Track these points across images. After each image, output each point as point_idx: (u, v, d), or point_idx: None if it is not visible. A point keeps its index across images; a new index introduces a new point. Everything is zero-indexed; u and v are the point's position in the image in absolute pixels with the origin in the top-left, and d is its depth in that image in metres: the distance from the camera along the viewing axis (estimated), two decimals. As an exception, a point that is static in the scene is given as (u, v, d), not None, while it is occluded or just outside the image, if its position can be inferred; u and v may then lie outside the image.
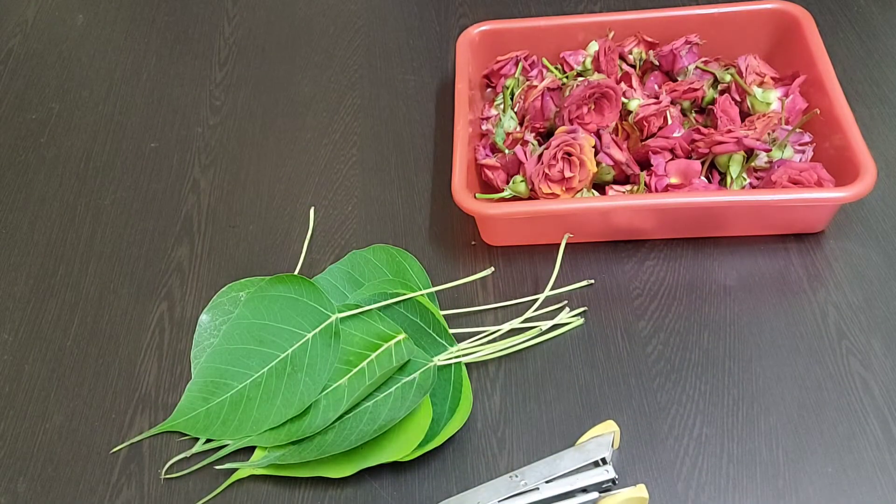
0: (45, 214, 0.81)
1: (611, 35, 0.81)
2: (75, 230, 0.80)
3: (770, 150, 0.71)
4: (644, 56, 0.80)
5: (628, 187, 0.72)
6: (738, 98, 0.75)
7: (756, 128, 0.71)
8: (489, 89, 0.83)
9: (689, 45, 0.78)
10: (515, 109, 0.78)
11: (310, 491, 0.61)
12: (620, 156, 0.72)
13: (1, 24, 1.02)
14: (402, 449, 0.60)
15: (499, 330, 0.67)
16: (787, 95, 0.74)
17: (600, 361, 0.66)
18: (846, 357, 0.64)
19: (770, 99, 0.74)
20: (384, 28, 0.96)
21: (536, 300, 0.69)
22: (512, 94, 0.79)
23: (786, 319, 0.67)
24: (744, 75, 0.76)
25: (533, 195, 0.71)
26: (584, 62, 0.80)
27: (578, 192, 0.70)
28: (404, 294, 0.67)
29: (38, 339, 0.72)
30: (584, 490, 0.57)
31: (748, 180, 0.71)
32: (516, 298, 0.70)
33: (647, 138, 0.73)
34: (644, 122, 0.73)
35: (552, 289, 0.69)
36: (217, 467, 0.62)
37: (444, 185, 0.79)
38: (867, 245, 0.71)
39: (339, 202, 0.79)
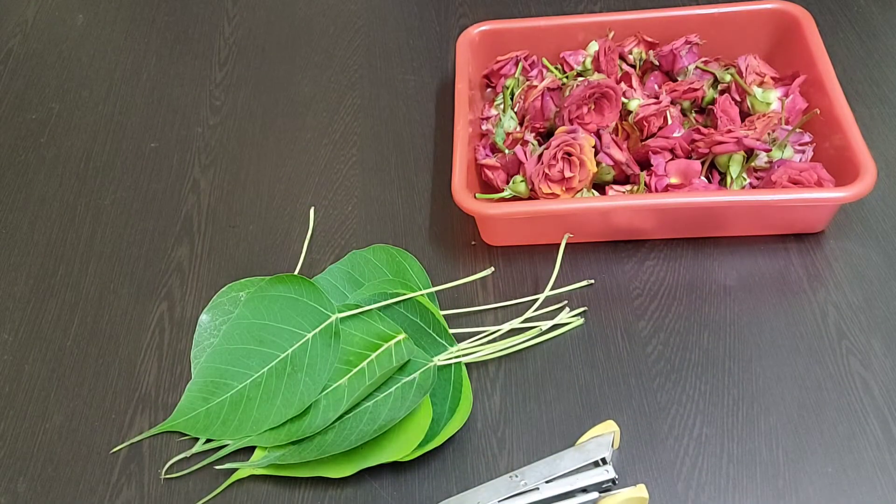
0: (45, 214, 0.81)
1: (611, 35, 0.81)
2: (75, 230, 0.80)
3: (770, 150, 0.71)
4: (644, 56, 0.80)
5: (628, 187, 0.72)
6: (738, 98, 0.75)
7: (756, 128, 0.71)
8: (489, 89, 0.83)
9: (689, 45, 0.78)
10: (515, 109, 0.78)
11: (310, 491, 0.61)
12: (620, 156, 0.72)
13: (1, 24, 1.02)
14: (402, 449, 0.60)
15: (499, 330, 0.67)
16: (787, 95, 0.74)
17: (600, 361, 0.66)
18: (846, 357, 0.64)
19: (770, 99, 0.74)
20: (384, 28, 0.96)
21: (536, 300, 0.69)
22: (512, 94, 0.79)
23: (786, 319, 0.67)
24: (744, 75, 0.76)
25: (533, 195, 0.71)
26: (584, 62, 0.80)
27: (578, 192, 0.70)
28: (404, 294, 0.67)
29: (38, 339, 0.72)
30: (584, 490, 0.57)
31: (748, 180, 0.71)
32: (516, 298, 0.70)
33: (647, 138, 0.73)
34: (644, 122, 0.73)
35: (552, 289, 0.69)
36: (217, 467, 0.62)
37: (444, 185, 0.79)
38: (867, 245, 0.71)
39: (339, 202, 0.79)
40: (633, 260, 0.72)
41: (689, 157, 0.72)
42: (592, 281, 0.70)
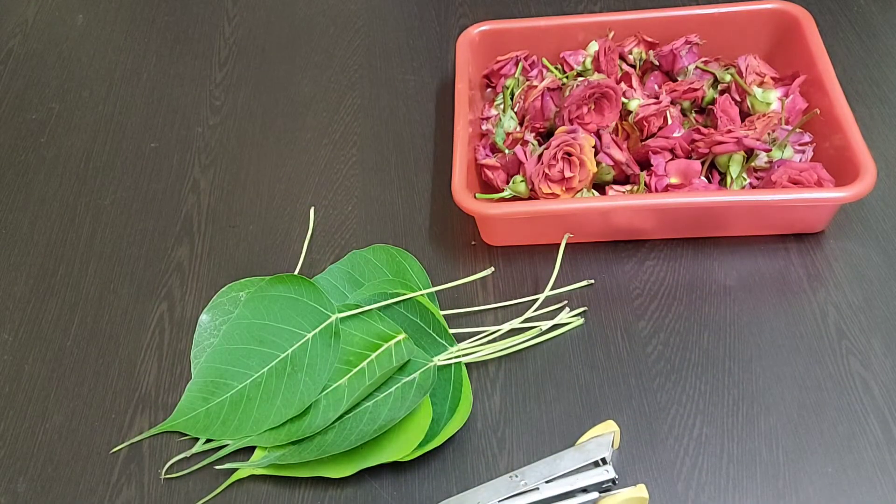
0: (45, 214, 0.81)
1: (611, 35, 0.81)
2: (75, 230, 0.80)
3: (770, 150, 0.71)
4: (644, 56, 0.80)
5: (628, 187, 0.72)
6: (738, 98, 0.75)
7: (756, 128, 0.71)
8: (489, 89, 0.83)
9: (689, 45, 0.78)
10: (515, 109, 0.78)
11: (310, 491, 0.61)
12: (620, 156, 0.72)
13: (1, 24, 1.02)
14: (402, 449, 0.60)
15: (499, 330, 0.67)
16: (787, 95, 0.74)
17: (600, 361, 0.66)
18: (846, 357, 0.64)
19: (770, 99, 0.74)
20: (384, 28, 0.96)
21: (536, 300, 0.69)
22: (512, 94, 0.79)
23: (786, 319, 0.67)
24: (744, 75, 0.76)
25: (533, 195, 0.71)
26: (584, 62, 0.80)
27: (578, 192, 0.70)
28: (404, 294, 0.67)
29: (38, 339, 0.72)
30: (584, 490, 0.57)
31: (748, 180, 0.71)
32: (516, 298, 0.70)
33: (647, 138, 0.73)
34: (644, 122, 0.73)
35: (552, 289, 0.69)
36: (217, 467, 0.62)
37: (444, 185, 0.79)
38: (867, 245, 0.71)
39: (339, 202, 0.79)
40: (633, 260, 0.72)
41: (689, 157, 0.72)
42: (592, 281, 0.70)
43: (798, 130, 0.72)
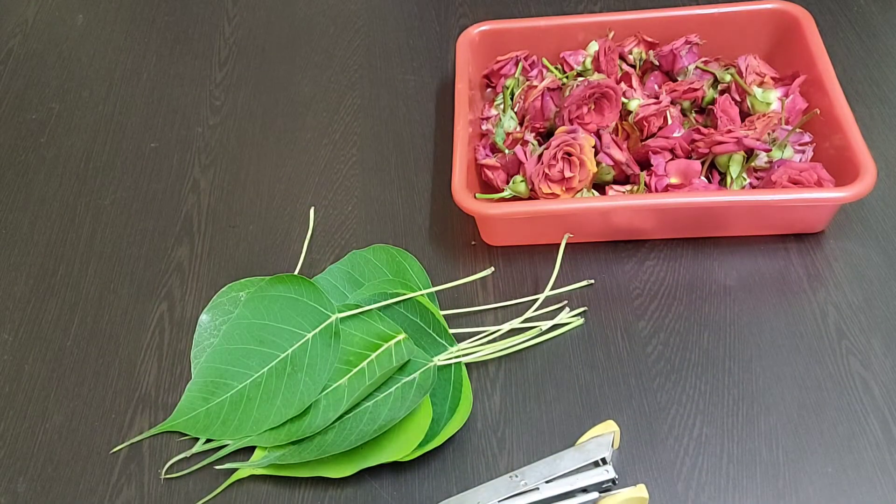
0: (45, 214, 0.81)
1: (611, 35, 0.81)
2: (75, 230, 0.80)
3: (770, 150, 0.71)
4: (644, 56, 0.80)
5: (628, 187, 0.72)
6: (738, 98, 0.75)
7: (756, 128, 0.71)
8: (489, 89, 0.83)
9: (689, 45, 0.78)
10: (515, 109, 0.78)
11: (310, 491, 0.61)
12: (620, 156, 0.72)
13: (1, 24, 1.02)
14: (402, 449, 0.60)
15: (499, 330, 0.67)
16: (787, 95, 0.74)
17: (600, 361, 0.66)
18: (846, 357, 0.64)
19: (770, 99, 0.74)
20: (384, 28, 0.96)
21: (536, 300, 0.69)
22: (512, 94, 0.79)
23: (786, 319, 0.67)
24: (744, 75, 0.76)
25: (533, 195, 0.71)
26: (584, 62, 0.80)
27: (578, 192, 0.70)
28: (404, 294, 0.67)
29: (38, 339, 0.72)
30: (584, 490, 0.57)
31: (748, 180, 0.71)
32: (516, 298, 0.70)
33: (647, 138, 0.73)
34: (644, 122, 0.73)
35: (552, 289, 0.69)
36: (217, 467, 0.62)
37: (444, 185, 0.79)
38: (867, 245, 0.71)
39: (339, 202, 0.79)
40: (633, 260, 0.72)
41: (689, 157, 0.72)
42: (592, 281, 0.70)
43: (798, 130, 0.72)
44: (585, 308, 0.69)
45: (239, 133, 0.87)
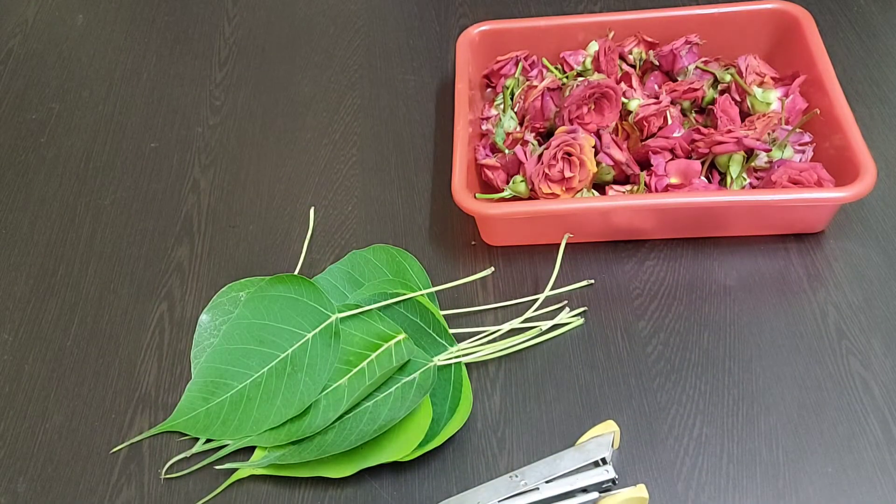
0: (45, 214, 0.81)
1: (611, 35, 0.81)
2: (75, 230, 0.80)
3: (770, 150, 0.71)
4: (644, 56, 0.80)
5: (628, 187, 0.72)
6: (738, 98, 0.75)
7: (756, 128, 0.71)
8: (489, 89, 0.83)
9: (689, 45, 0.78)
10: (515, 109, 0.78)
11: (310, 491, 0.61)
12: (620, 156, 0.72)
13: (1, 24, 1.02)
14: (402, 449, 0.60)
15: (499, 330, 0.67)
16: (787, 95, 0.74)
17: (600, 361, 0.66)
18: (846, 357, 0.64)
19: (770, 99, 0.74)
20: (384, 28, 0.96)
21: (536, 300, 0.69)
22: (512, 94, 0.79)
23: (786, 319, 0.67)
24: (744, 75, 0.76)
25: (533, 195, 0.71)
26: (584, 62, 0.80)
27: (578, 192, 0.70)
28: (404, 294, 0.67)
29: (38, 339, 0.72)
30: (584, 490, 0.57)
31: (748, 180, 0.71)
32: (516, 298, 0.70)
33: (647, 138, 0.73)
34: (644, 122, 0.73)
35: (552, 289, 0.69)
36: (217, 467, 0.62)
37: (444, 185, 0.79)
38: (867, 245, 0.71)
39: (339, 202, 0.79)
40: (633, 260, 0.72)
41: (689, 157, 0.72)
42: (592, 281, 0.70)
43: (798, 130, 0.72)
44: (585, 308, 0.69)
45: (239, 133, 0.87)
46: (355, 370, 0.63)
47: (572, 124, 0.73)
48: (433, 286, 0.69)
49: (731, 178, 0.71)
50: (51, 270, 0.77)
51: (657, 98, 0.75)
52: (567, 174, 0.69)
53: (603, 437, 0.59)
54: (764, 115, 0.72)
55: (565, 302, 0.69)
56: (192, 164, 0.84)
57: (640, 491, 0.57)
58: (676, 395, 0.63)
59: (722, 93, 0.76)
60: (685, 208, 0.69)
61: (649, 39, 0.80)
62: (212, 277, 0.74)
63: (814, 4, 0.90)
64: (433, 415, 0.62)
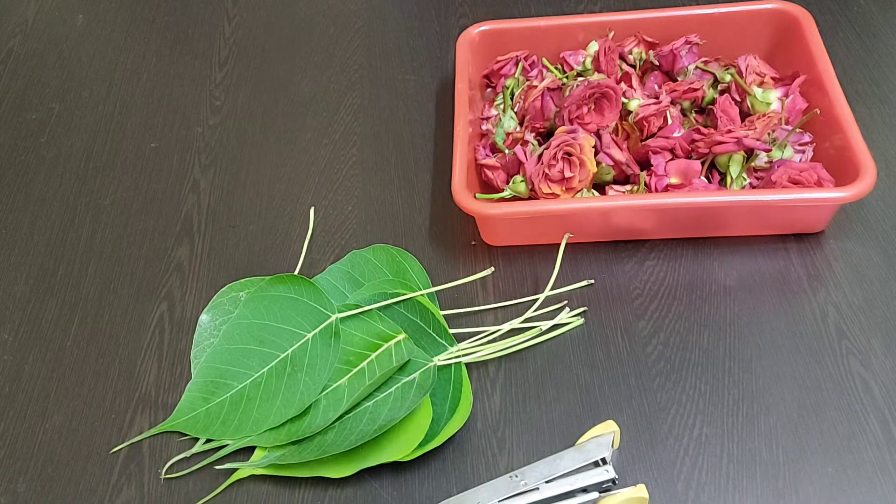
0: (45, 214, 0.81)
1: (611, 35, 0.81)
2: (75, 230, 0.80)
3: (770, 150, 0.71)
4: (644, 56, 0.80)
5: (628, 187, 0.72)
6: (738, 98, 0.75)
7: (756, 128, 0.71)
8: (489, 89, 0.83)
9: (689, 45, 0.78)
10: (515, 109, 0.78)
11: (310, 491, 0.61)
12: (620, 156, 0.72)
13: (1, 24, 1.02)
14: (402, 449, 0.60)
15: (499, 330, 0.67)
16: (787, 95, 0.74)
17: (600, 361, 0.66)
18: (846, 357, 0.64)
19: (770, 99, 0.74)
20: (384, 28, 0.96)
21: (536, 300, 0.69)
22: (512, 94, 0.79)
23: (786, 319, 0.67)
24: (744, 75, 0.76)
25: (533, 195, 0.71)
26: (584, 62, 0.80)
27: (578, 192, 0.70)
28: (404, 294, 0.67)
29: (38, 339, 0.72)
30: (584, 490, 0.57)
31: (748, 180, 0.71)
32: (516, 298, 0.70)
33: (647, 138, 0.73)
34: (644, 122, 0.73)
35: (552, 289, 0.69)
36: (217, 467, 0.62)
37: (444, 185, 0.79)
38: (867, 245, 0.71)
39: (339, 202, 0.79)
40: (633, 260, 0.72)
41: (689, 157, 0.72)
42: (592, 281, 0.70)
43: (798, 130, 0.72)
44: (585, 308, 0.69)
45: (239, 133, 0.87)
46: (355, 370, 0.63)
47: (572, 124, 0.73)
48: (433, 286, 0.69)
49: (731, 178, 0.71)
50: (51, 270, 0.77)
51: (657, 98, 0.75)
52: (567, 174, 0.69)
53: (603, 437, 0.59)
54: (764, 115, 0.72)
55: (565, 302, 0.69)
56: (192, 164, 0.84)
57: (640, 491, 0.57)
58: (676, 395, 0.63)
59: (722, 93, 0.76)
60: (685, 208, 0.69)
61: (649, 39, 0.80)
62: (212, 277, 0.74)
63: (814, 4, 0.90)
64: (433, 415, 0.62)
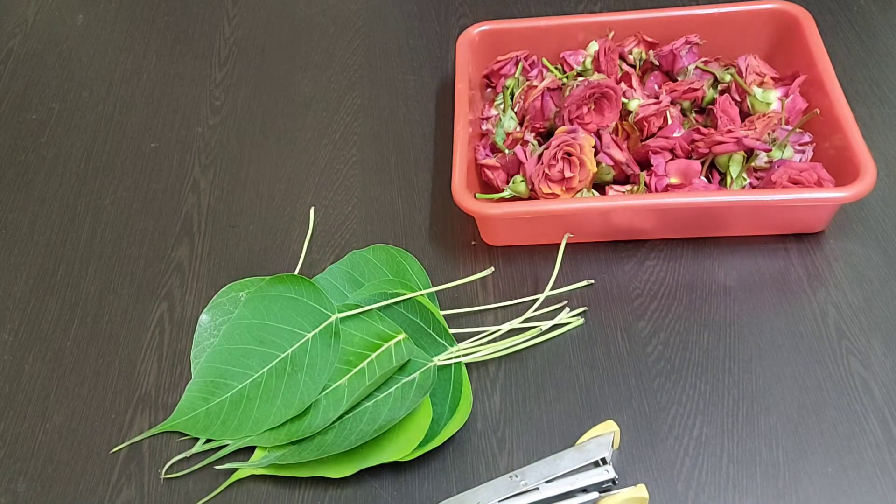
0: (45, 214, 0.81)
1: (611, 35, 0.81)
2: (75, 230, 0.80)
3: (770, 150, 0.71)
4: (644, 56, 0.80)
5: (628, 187, 0.72)
6: (738, 98, 0.75)
7: (756, 128, 0.71)
8: (489, 89, 0.83)
9: (689, 45, 0.78)
10: (515, 109, 0.78)
11: (310, 491, 0.61)
12: (620, 156, 0.72)
13: (1, 24, 1.02)
14: (402, 449, 0.60)
15: (499, 330, 0.67)
16: (787, 95, 0.74)
17: (600, 361, 0.66)
18: (846, 357, 0.64)
19: (770, 99, 0.74)
20: (384, 28, 0.96)
21: (536, 300, 0.69)
22: (512, 94, 0.79)
23: (786, 319, 0.67)
24: (744, 75, 0.76)
25: (533, 195, 0.71)
26: (584, 62, 0.80)
27: (578, 192, 0.70)
28: (404, 294, 0.67)
29: (38, 339, 0.72)
30: (584, 490, 0.57)
31: (748, 180, 0.71)
32: (516, 298, 0.70)
33: (647, 138, 0.73)
34: (644, 122, 0.73)
35: (552, 289, 0.69)
36: (217, 467, 0.62)
37: (444, 185, 0.79)
38: (867, 245, 0.71)
39: (339, 202, 0.79)
40: (633, 260, 0.72)
41: (689, 157, 0.72)
42: (592, 281, 0.70)
43: (798, 130, 0.72)
44: (585, 308, 0.69)
45: (239, 133, 0.87)
46: (355, 370, 0.63)
47: (572, 124, 0.73)
48: (433, 286, 0.69)
49: (731, 178, 0.71)
50: (51, 270, 0.77)
51: (657, 98, 0.75)
52: (567, 174, 0.69)
53: (603, 437, 0.59)
54: (764, 115, 0.72)
55: (565, 302, 0.69)
56: (192, 164, 0.84)
57: (640, 491, 0.57)
58: (676, 395, 0.63)
59: (722, 93, 0.76)
60: (685, 208, 0.69)
61: (649, 39, 0.80)
62: (212, 277, 0.74)
63: (814, 4, 0.90)
64: (433, 415, 0.62)
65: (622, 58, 0.81)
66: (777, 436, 0.61)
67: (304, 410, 0.62)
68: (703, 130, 0.71)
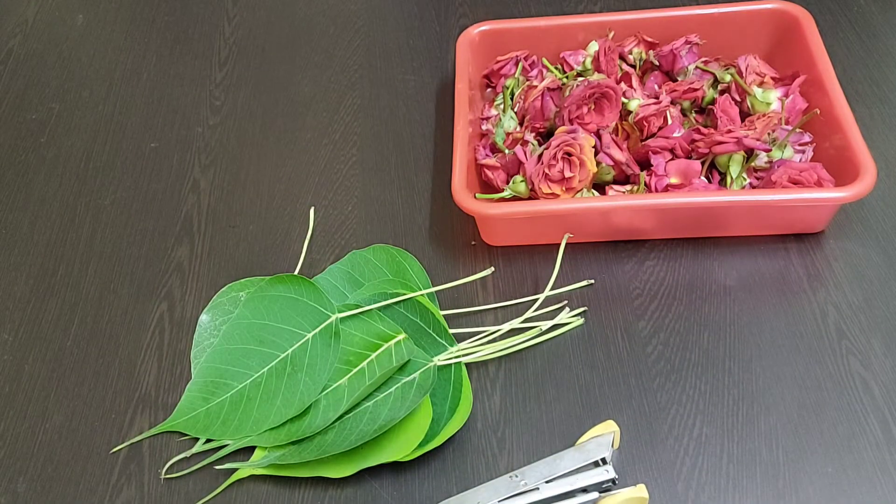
0: (45, 214, 0.81)
1: (611, 35, 0.81)
2: (75, 230, 0.80)
3: (770, 150, 0.71)
4: (644, 56, 0.80)
5: (628, 187, 0.72)
6: (738, 98, 0.75)
7: (756, 128, 0.71)
8: (489, 89, 0.84)
9: (689, 45, 0.78)
10: (515, 109, 0.78)
11: (310, 491, 0.61)
12: (620, 156, 0.72)
13: (1, 24, 1.02)
14: (402, 449, 0.60)
15: (499, 330, 0.67)
16: (787, 95, 0.74)
17: (600, 361, 0.66)
18: (846, 357, 0.64)
19: (770, 99, 0.74)
20: (384, 28, 0.96)
21: (536, 300, 0.69)
22: (512, 94, 0.79)
23: (786, 319, 0.67)
24: (744, 75, 0.76)
25: (533, 195, 0.71)
26: (584, 62, 0.80)
27: (578, 192, 0.70)
28: (404, 294, 0.67)
29: (38, 339, 0.72)
30: (584, 490, 0.57)
31: (748, 180, 0.71)
32: (516, 298, 0.70)
33: (647, 138, 0.73)
34: (644, 122, 0.73)
35: (552, 289, 0.69)
36: (217, 467, 0.62)
37: (444, 185, 0.79)
38: (867, 245, 0.71)
39: (339, 202, 0.79)
40: (633, 260, 0.72)
41: (689, 157, 0.72)
42: (592, 281, 0.70)
43: (798, 130, 0.72)
44: (585, 308, 0.69)
45: (239, 133, 0.87)
46: (355, 370, 0.63)
47: (572, 124, 0.73)
48: (433, 286, 0.69)
49: (731, 178, 0.71)
50: (51, 270, 0.77)
51: (657, 98, 0.75)
52: (567, 174, 0.69)
53: (603, 437, 0.59)
54: (764, 115, 0.72)
55: (565, 302, 0.69)
56: (192, 164, 0.84)
57: (640, 491, 0.57)
58: (676, 395, 0.63)
59: (722, 93, 0.76)
60: (685, 208, 0.69)
61: (649, 39, 0.80)
62: (212, 277, 0.74)
63: (814, 4, 0.90)
64: (433, 415, 0.62)
65: (622, 58, 0.81)
66: (777, 436, 0.61)
67: (304, 410, 0.62)
68: (703, 130, 0.71)
